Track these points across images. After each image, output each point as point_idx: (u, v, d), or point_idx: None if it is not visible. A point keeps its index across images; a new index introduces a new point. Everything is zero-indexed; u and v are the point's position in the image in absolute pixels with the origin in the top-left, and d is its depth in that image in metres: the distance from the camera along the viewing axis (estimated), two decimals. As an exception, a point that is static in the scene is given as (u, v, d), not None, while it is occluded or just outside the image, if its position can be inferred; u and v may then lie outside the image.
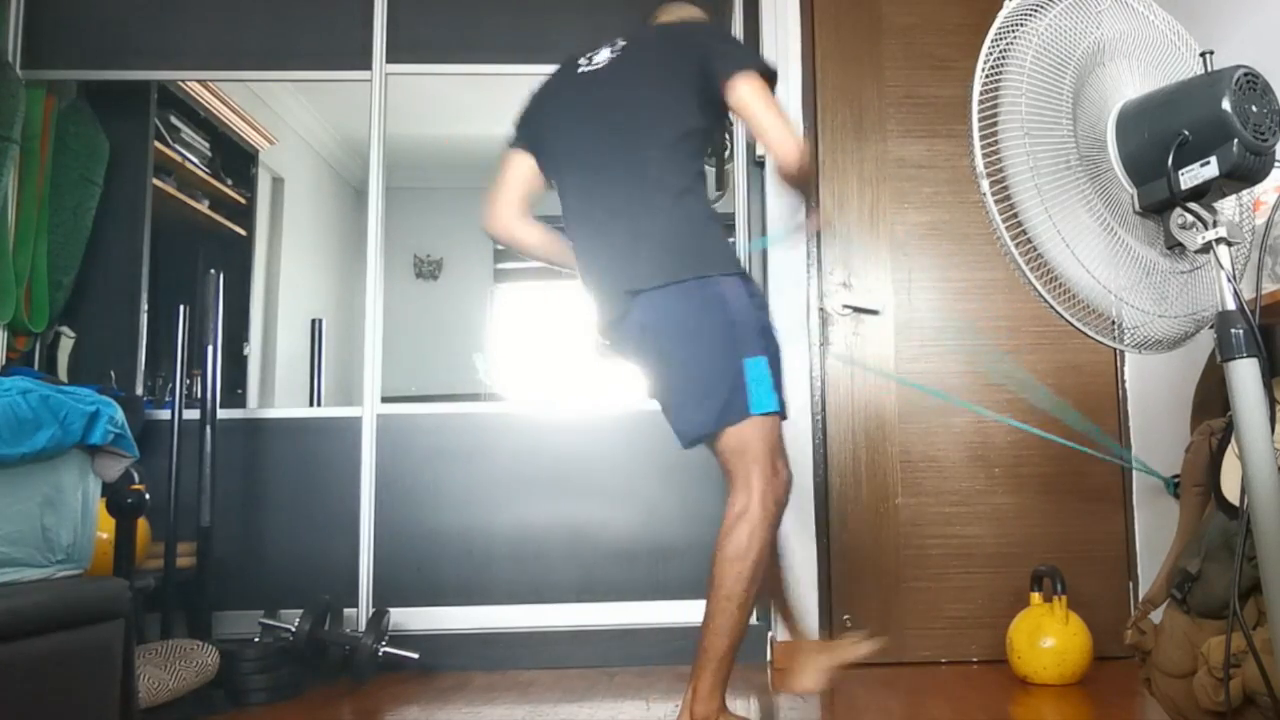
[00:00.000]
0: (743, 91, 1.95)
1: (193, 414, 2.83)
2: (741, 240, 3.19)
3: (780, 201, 3.03)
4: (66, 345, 3.18)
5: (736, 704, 2.41)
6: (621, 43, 2.13)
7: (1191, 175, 1.43)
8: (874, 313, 3.09)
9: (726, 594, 1.82)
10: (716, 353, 1.89)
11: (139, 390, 3.31)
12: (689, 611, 2.90)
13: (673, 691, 2.53)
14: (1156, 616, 1.95)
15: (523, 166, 2.15)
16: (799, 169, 1.96)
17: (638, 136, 2.01)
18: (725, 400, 1.87)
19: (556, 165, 2.13)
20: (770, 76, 2.03)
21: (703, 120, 2.04)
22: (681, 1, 2.27)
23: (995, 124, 1.46)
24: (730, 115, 2.07)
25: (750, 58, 2.10)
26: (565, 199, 2.11)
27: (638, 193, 1.98)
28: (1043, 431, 2.75)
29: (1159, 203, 1.49)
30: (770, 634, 2.98)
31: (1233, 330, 1.41)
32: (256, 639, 2.70)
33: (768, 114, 1.95)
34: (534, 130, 2.17)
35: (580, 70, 2.14)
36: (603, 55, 2.13)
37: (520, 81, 2.28)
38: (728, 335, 1.88)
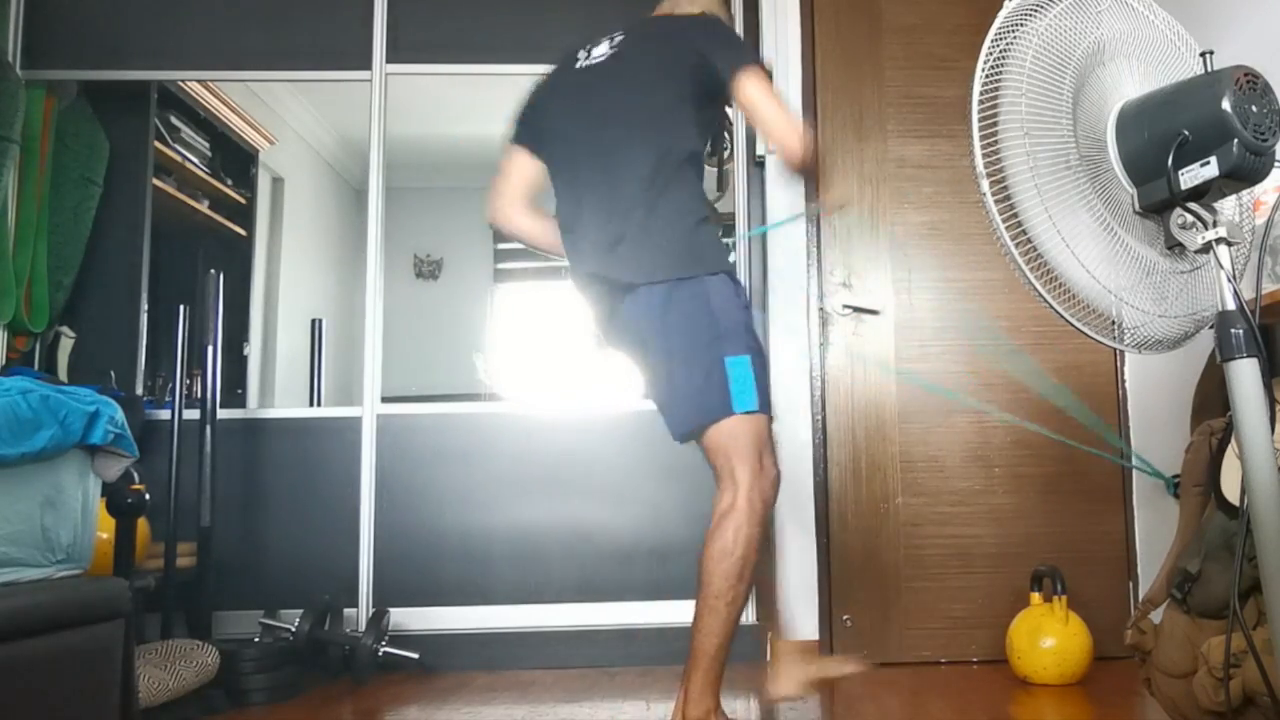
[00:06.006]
0: (748, 88, 1.97)
1: (193, 414, 2.83)
2: (741, 241, 3.19)
3: (784, 193, 3.06)
4: (66, 345, 3.18)
5: (736, 704, 2.41)
6: (620, 36, 2.12)
7: (1191, 175, 1.43)
8: (874, 313, 3.09)
9: (715, 592, 1.82)
10: (700, 350, 1.89)
11: (139, 390, 3.30)
12: (689, 611, 2.90)
13: (673, 691, 2.51)
14: (1156, 616, 1.95)
15: (522, 162, 2.16)
16: (803, 159, 1.98)
17: (631, 134, 2.01)
18: (708, 398, 1.88)
19: (552, 160, 2.13)
20: (766, 70, 2.04)
21: (698, 117, 2.03)
22: None
23: (995, 124, 1.46)
24: (728, 112, 2.07)
25: (750, 53, 2.11)
26: (558, 192, 2.11)
27: (629, 190, 1.96)
28: (1045, 430, 2.74)
29: (1159, 203, 1.49)
30: (769, 634, 2.98)
31: (1233, 330, 1.41)
32: (256, 639, 2.70)
33: (771, 109, 1.97)
34: (532, 126, 2.17)
35: (578, 65, 2.13)
36: (601, 49, 2.12)
37: (520, 81, 2.27)
38: (710, 333, 1.89)
